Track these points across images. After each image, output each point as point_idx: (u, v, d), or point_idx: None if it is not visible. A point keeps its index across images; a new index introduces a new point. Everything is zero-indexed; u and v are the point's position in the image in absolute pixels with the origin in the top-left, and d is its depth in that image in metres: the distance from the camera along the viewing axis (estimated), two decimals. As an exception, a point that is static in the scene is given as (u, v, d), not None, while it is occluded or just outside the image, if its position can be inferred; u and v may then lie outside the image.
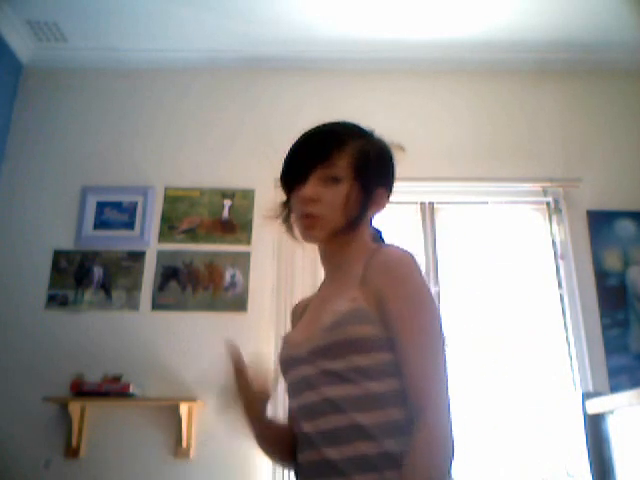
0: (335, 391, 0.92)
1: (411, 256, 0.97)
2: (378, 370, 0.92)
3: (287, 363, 1.04)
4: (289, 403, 1.06)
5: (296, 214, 1.07)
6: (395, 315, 0.92)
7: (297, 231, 1.09)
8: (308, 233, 1.05)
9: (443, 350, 0.92)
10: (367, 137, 1.12)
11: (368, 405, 0.90)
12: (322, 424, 0.93)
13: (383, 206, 1.11)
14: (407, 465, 0.85)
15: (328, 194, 1.02)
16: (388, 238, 1.17)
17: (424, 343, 0.91)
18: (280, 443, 1.09)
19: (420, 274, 0.96)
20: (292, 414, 1.05)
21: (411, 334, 0.91)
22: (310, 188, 1.02)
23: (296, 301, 1.25)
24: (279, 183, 1.12)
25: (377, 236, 1.16)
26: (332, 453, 0.90)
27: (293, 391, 1.03)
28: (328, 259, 1.10)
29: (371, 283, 0.96)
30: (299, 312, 1.16)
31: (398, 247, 1.00)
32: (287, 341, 1.08)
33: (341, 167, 1.03)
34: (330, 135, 1.08)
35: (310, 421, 0.95)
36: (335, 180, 1.02)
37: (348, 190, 1.02)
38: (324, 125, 1.11)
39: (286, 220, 1.14)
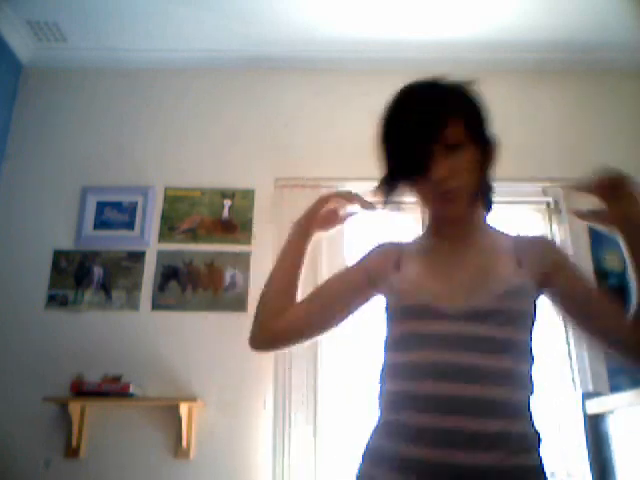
0: (492, 360, 0.92)
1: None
2: (528, 348, 0.99)
3: (420, 312, 0.97)
4: (401, 356, 0.98)
5: (429, 196, 1.03)
6: (578, 278, 1.08)
7: (431, 210, 1.08)
8: (451, 209, 1.03)
9: None
10: (465, 90, 1.06)
11: (519, 382, 0.95)
12: (477, 391, 0.89)
13: (494, 163, 1.15)
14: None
15: (456, 164, 0.99)
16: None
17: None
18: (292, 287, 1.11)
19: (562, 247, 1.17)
20: (402, 369, 0.97)
21: (591, 284, 1.10)
22: (440, 166, 0.98)
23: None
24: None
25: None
26: (491, 425, 0.88)
27: (415, 343, 0.95)
28: (459, 228, 1.07)
29: (538, 264, 1.04)
30: (395, 258, 1.09)
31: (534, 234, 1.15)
32: (421, 286, 1.00)
33: (458, 132, 0.99)
34: (437, 104, 1.01)
35: (457, 383, 0.89)
36: (456, 147, 1.00)
37: (472, 155, 1.02)
38: (425, 94, 1.05)
39: (390, 203, 1.07)
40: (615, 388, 2.53)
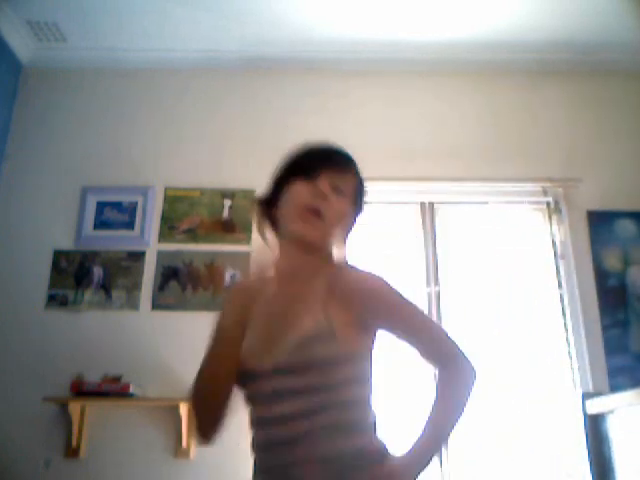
0: (298, 405, 0.97)
1: (377, 276, 1.07)
2: (339, 382, 1.00)
3: (247, 376, 1.05)
4: (252, 412, 1.08)
5: (298, 204, 1.05)
6: (395, 321, 1.05)
7: (287, 221, 1.08)
8: (308, 228, 1.04)
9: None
10: (361, 173, 1.16)
11: (330, 410, 0.98)
12: (294, 428, 0.97)
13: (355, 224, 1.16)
14: (450, 397, 1.00)
15: (337, 202, 1.05)
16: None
17: (424, 319, 1.11)
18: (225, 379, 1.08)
19: (390, 285, 1.07)
20: (253, 422, 1.08)
21: (413, 323, 1.06)
22: (324, 186, 1.04)
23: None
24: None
25: None
26: (309, 451, 0.96)
27: (256, 401, 1.05)
28: (297, 262, 1.08)
29: (348, 304, 1.02)
30: (241, 297, 1.14)
31: (358, 268, 1.09)
32: (245, 351, 1.06)
33: (349, 185, 1.09)
34: (345, 153, 1.13)
35: (279, 427, 0.99)
36: (341, 193, 1.07)
37: (349, 209, 1.09)
38: (333, 144, 1.15)
39: (264, 214, 1.15)
40: (615, 388, 2.53)
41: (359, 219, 1.15)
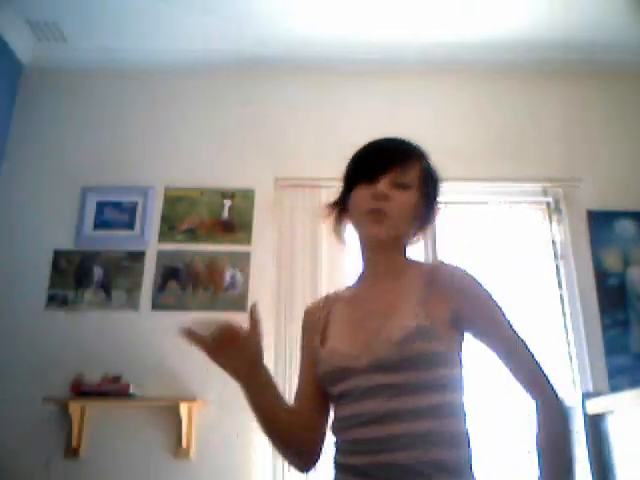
0: (398, 403, 0.96)
1: (468, 271, 1.06)
2: (439, 384, 0.99)
3: (339, 374, 1.03)
4: (338, 411, 1.05)
5: (361, 209, 1.06)
6: (487, 324, 1.04)
7: (357, 227, 1.10)
8: (374, 228, 1.05)
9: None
10: (428, 158, 1.16)
11: (429, 415, 0.96)
12: (386, 430, 0.95)
13: (435, 218, 1.15)
14: (548, 435, 0.96)
15: (399, 197, 1.04)
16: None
17: (518, 335, 1.05)
18: (289, 421, 1.08)
19: (482, 284, 1.05)
20: (340, 422, 1.05)
21: (507, 336, 1.04)
22: (385, 185, 1.04)
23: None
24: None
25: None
26: (402, 456, 0.93)
27: (345, 399, 1.02)
28: (380, 263, 1.10)
29: (446, 300, 1.01)
30: (320, 316, 1.15)
31: (454, 265, 1.07)
32: (334, 351, 1.06)
33: (413, 176, 1.07)
34: (406, 145, 1.12)
35: (371, 427, 0.96)
36: (405, 187, 1.06)
37: (417, 199, 1.07)
38: (395, 138, 1.14)
39: (338, 219, 1.16)
40: (615, 388, 2.53)
41: (437, 205, 1.14)
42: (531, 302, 2.81)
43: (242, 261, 2.81)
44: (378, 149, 1.11)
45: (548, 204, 2.96)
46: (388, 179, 1.04)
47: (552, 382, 1.02)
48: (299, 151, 2.99)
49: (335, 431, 1.06)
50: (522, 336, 1.04)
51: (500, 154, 3.00)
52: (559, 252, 2.87)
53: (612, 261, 2.81)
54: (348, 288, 1.18)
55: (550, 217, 2.95)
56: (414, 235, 1.13)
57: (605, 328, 2.70)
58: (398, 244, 1.10)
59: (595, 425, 2.21)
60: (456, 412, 1.02)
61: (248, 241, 2.85)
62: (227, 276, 2.78)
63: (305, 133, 3.05)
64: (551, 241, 2.91)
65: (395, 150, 1.10)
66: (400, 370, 0.97)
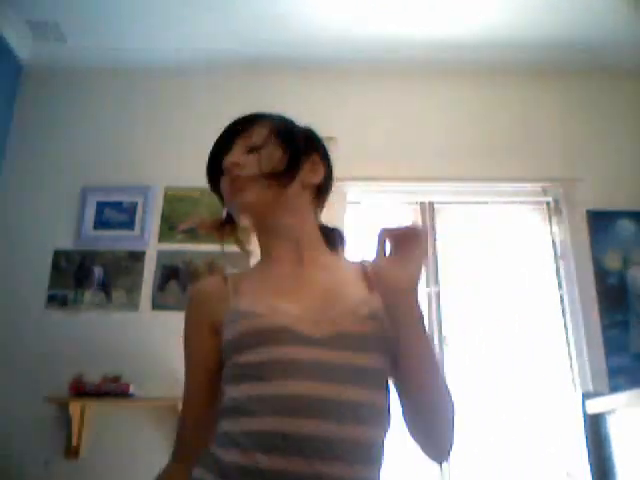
0: (355, 394, 0.81)
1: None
2: (385, 380, 0.88)
3: (271, 336, 0.83)
4: (243, 389, 0.83)
5: (227, 195, 1.01)
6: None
7: (236, 215, 1.05)
8: (238, 197, 0.98)
9: None
10: (281, 118, 1.06)
11: (371, 420, 0.82)
12: (326, 428, 0.77)
13: (320, 174, 1.02)
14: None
15: (252, 158, 0.97)
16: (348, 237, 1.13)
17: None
18: None
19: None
20: (241, 403, 0.81)
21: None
22: (232, 157, 0.99)
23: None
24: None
25: (333, 234, 1.09)
26: (335, 470, 0.76)
27: (262, 372, 0.81)
28: (255, 214, 1.02)
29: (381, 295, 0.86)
30: (224, 288, 1.00)
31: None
32: (276, 308, 0.86)
33: (261, 135, 0.99)
34: (246, 116, 1.05)
35: (304, 419, 0.77)
36: (257, 148, 0.98)
37: (271, 151, 0.97)
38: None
39: (227, 223, 1.12)
40: (615, 388, 2.53)
41: (313, 148, 1.02)
42: (531, 302, 2.81)
43: (242, 261, 2.80)
44: (219, 138, 1.07)
45: (548, 204, 2.97)
46: (235, 152, 1.00)
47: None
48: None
49: (225, 415, 0.84)
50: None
51: (500, 154, 3.00)
52: (559, 252, 2.87)
53: (612, 261, 2.81)
54: (246, 271, 1.08)
55: (550, 217, 2.95)
56: (290, 174, 0.96)
57: (605, 328, 2.70)
58: (287, 208, 0.98)
59: (595, 425, 2.21)
60: (388, 423, 0.87)
61: (248, 241, 2.84)
62: (227, 276, 2.77)
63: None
64: (551, 241, 2.91)
65: (233, 125, 1.04)
66: (365, 350, 0.83)
